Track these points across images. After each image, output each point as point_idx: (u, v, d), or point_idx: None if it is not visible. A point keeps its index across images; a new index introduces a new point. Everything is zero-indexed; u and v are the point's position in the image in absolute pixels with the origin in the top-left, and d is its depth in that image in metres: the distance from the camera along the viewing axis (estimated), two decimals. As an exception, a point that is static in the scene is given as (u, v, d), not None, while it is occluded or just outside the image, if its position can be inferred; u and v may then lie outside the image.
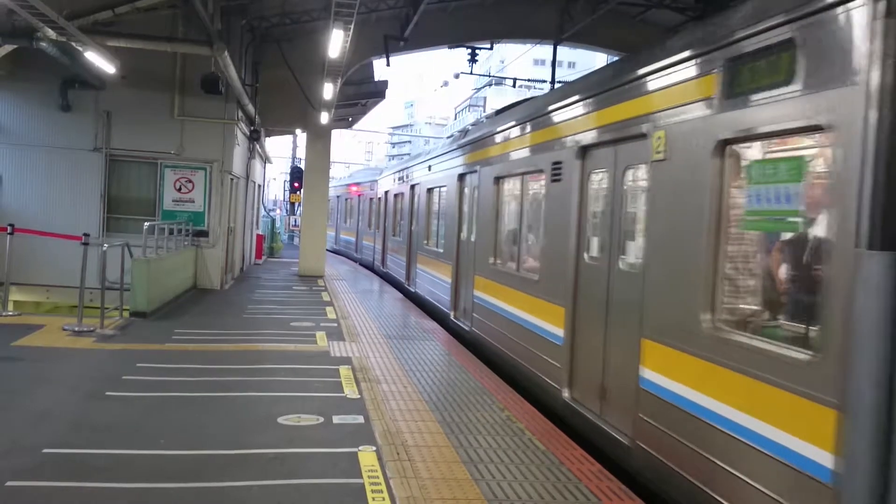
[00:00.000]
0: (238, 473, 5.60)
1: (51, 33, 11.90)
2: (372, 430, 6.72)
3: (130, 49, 13.94)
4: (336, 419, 7.06)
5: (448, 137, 16.16)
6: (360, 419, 7.08)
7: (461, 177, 13.13)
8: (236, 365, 9.32)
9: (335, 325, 12.74)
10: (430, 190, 16.27)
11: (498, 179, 10.79)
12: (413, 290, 17.64)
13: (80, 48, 12.65)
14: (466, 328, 12.11)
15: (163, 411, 7.22)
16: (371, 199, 27.48)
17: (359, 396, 7.92)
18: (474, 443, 6.52)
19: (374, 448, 6.22)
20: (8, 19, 12.16)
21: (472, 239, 12.16)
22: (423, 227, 16.83)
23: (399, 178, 21.16)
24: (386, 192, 23.54)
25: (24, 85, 15.95)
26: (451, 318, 13.27)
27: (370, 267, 26.41)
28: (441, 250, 14.55)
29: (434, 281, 15.18)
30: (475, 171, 12.08)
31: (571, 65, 63.30)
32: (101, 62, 13.30)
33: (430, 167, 16.27)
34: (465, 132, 13.95)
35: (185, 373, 8.75)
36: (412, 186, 18.47)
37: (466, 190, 12.87)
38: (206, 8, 12.61)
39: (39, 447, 5.91)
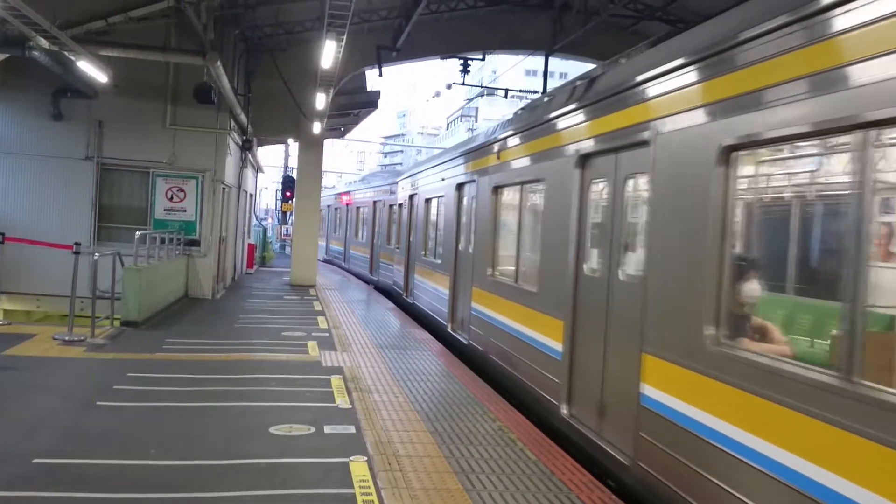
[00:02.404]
0: (229, 484, 5.59)
1: (43, 42, 11.90)
2: (363, 441, 6.72)
3: (123, 58, 13.95)
4: (328, 429, 7.06)
5: (523, 109, 10.89)
6: (352, 429, 7.08)
7: (586, 160, 7.35)
8: (227, 375, 9.30)
9: (327, 334, 12.73)
10: (498, 189, 10.73)
11: (731, 151, 4.93)
12: (465, 341, 11.83)
13: (73, 57, 12.65)
14: (619, 455, 6.21)
15: (154, 421, 7.21)
16: (391, 205, 22.16)
17: (350, 406, 7.93)
18: (466, 453, 6.53)
19: (366, 458, 6.22)
20: (0, 28, 12.16)
21: (626, 275, 6.44)
22: (482, 247, 11.22)
23: (428, 178, 16.11)
24: (411, 197, 18.17)
25: (16, 94, 15.91)
26: (587, 431, 6.94)
27: (389, 293, 20.87)
28: (534, 290, 8.68)
29: (519, 340, 9.06)
30: (609, 152, 6.78)
31: (563, 75, 63.48)
32: (93, 71, 13.29)
33: (497, 153, 10.64)
34: (585, 83, 7.92)
35: (176, 382, 8.73)
36: (459, 186, 13.00)
37: (593, 188, 7.30)
38: (199, 18, 12.65)
39: (30, 457, 5.89)
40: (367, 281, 25.19)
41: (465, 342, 11.78)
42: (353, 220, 30.50)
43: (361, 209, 28.64)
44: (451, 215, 13.42)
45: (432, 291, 14.95)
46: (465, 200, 12.78)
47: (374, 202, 25.75)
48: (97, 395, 7.97)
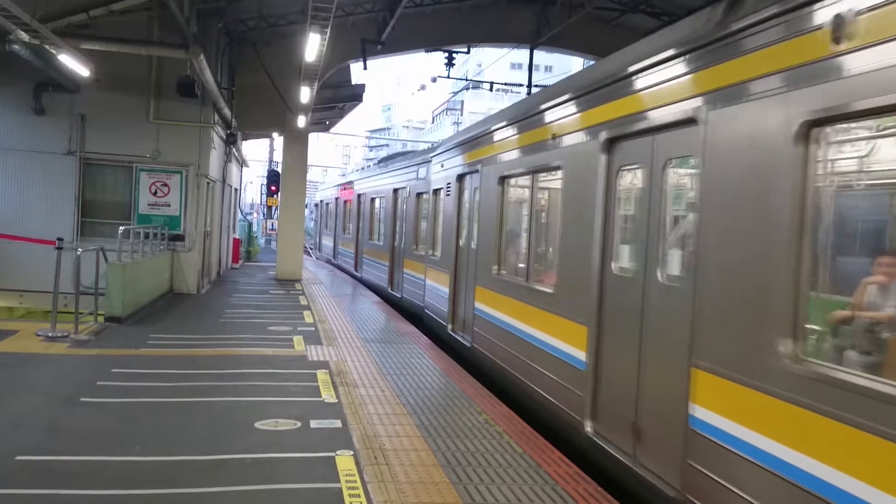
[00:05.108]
0: (215, 479, 5.58)
1: (24, 36, 11.77)
2: (350, 435, 6.71)
3: (105, 52, 13.83)
4: (314, 424, 7.05)
5: None
6: (338, 423, 7.07)
7: None
8: (213, 370, 9.27)
9: (313, 329, 12.70)
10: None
11: None
12: (630, 461, 5.96)
13: (54, 51, 12.53)
14: None
15: (138, 417, 7.17)
16: (420, 194, 16.08)
17: (336, 401, 7.92)
18: (452, 446, 6.54)
19: (352, 452, 6.22)
20: (-20, 22, 12.02)
21: None
22: (737, 279, 4.73)
23: (507, 141, 9.87)
24: (460, 178, 12.31)
25: (-3, 88, 15.77)
26: None
27: (417, 318, 14.94)
28: None
29: None
30: None
31: (548, 68, 63.60)
32: (75, 65, 13.18)
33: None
34: None
35: (160, 378, 8.70)
36: (611, 143, 6.70)
37: None
38: (181, 11, 12.55)
39: (13, 454, 5.84)
40: (386, 299, 18.26)
41: (640, 468, 5.79)
42: (365, 216, 23.67)
43: (377, 201, 21.91)
44: (582, 207, 7.20)
45: (540, 349, 8.11)
46: (628, 176, 6.55)
47: (395, 190, 18.96)
48: (81, 391, 7.92)
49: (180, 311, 14.50)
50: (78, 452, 6.02)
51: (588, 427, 6.73)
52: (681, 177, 5.75)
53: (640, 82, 6.17)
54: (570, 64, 53.94)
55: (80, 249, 11.67)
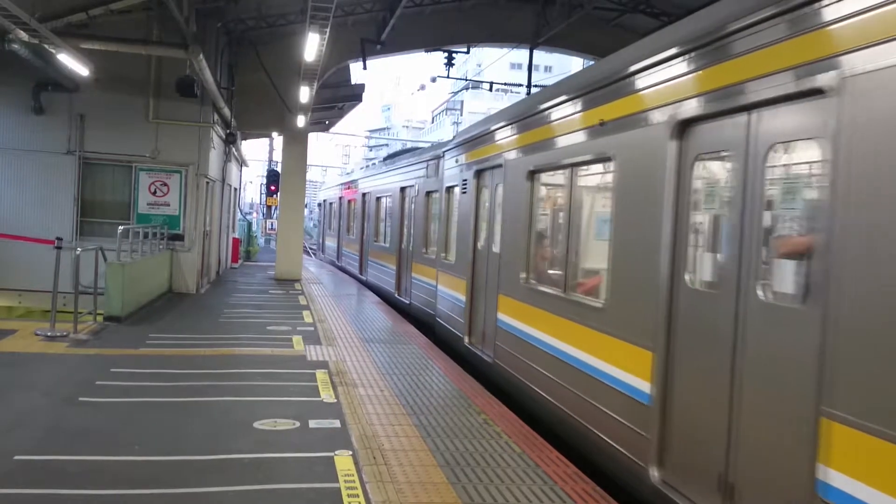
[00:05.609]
0: (214, 479, 5.57)
1: (23, 35, 11.77)
2: (348, 435, 6.71)
3: (104, 51, 13.83)
4: (312, 423, 7.04)
5: None
6: (337, 423, 7.07)
7: None
8: (212, 369, 9.26)
9: (312, 328, 12.70)
10: None
11: None
12: None
13: (53, 50, 12.52)
14: None
15: (137, 417, 7.17)
16: (430, 192, 15.01)
17: (335, 401, 7.91)
18: (451, 446, 6.54)
19: (351, 452, 6.21)
20: (-21, 21, 12.01)
21: None
22: None
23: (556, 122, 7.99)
24: (479, 174, 11.08)
25: (-4, 87, 15.77)
26: None
27: (427, 326, 13.86)
28: None
29: None
30: None
31: (548, 69, 63.62)
32: (74, 65, 13.17)
33: None
34: None
35: (160, 377, 8.69)
36: (684, 124, 5.39)
37: None
38: (181, 10, 12.54)
39: (11, 454, 5.84)
40: (393, 305, 17.16)
41: None
42: (371, 216, 22.30)
43: (383, 200, 20.64)
44: (642, 206, 5.91)
45: (586, 374, 6.72)
46: (709, 167, 5.30)
47: (402, 189, 17.87)
48: (80, 390, 7.91)
49: (179, 310, 14.49)
50: (77, 452, 6.01)
51: (654, 475, 5.39)
52: (796, 166, 4.45)
53: (732, 48, 4.83)
54: (569, 64, 53.98)
55: (79, 249, 11.68)
